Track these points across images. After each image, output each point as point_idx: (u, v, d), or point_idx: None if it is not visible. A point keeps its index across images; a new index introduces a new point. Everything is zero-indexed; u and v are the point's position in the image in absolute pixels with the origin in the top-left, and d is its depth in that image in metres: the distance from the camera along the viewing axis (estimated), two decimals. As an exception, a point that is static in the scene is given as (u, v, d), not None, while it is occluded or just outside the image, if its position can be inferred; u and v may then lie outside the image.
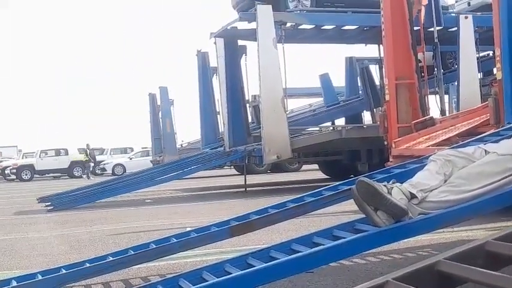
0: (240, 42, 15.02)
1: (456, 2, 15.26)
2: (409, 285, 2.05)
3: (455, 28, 13.17)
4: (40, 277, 4.19)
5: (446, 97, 15.02)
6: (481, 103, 9.74)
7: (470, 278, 2.10)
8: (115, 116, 79.27)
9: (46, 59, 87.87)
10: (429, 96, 10.67)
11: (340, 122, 18.37)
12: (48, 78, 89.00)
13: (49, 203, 12.76)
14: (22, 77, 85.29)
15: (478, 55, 13.38)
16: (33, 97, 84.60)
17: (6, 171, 34.14)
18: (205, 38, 15.32)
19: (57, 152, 34.21)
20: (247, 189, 14.22)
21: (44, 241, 7.60)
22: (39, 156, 33.74)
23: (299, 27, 13.90)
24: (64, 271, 4.27)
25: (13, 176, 33.17)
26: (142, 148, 34.81)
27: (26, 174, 32.95)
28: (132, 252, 4.45)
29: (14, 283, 4.10)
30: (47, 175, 34.21)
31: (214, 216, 7.29)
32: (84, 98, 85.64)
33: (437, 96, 12.40)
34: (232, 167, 22.24)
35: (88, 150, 30.97)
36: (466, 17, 13.11)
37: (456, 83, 13.95)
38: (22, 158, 35.69)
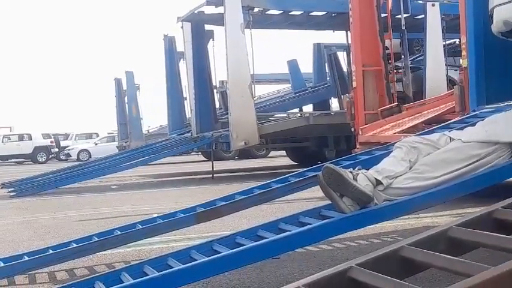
0: (208, 27, 14.90)
1: (423, -11, 15.35)
2: (372, 270, 2.06)
3: (423, 15, 13.27)
4: (2, 264, 4.12)
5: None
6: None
7: (432, 264, 2.12)
8: (80, 101, 78.13)
9: (5, 40, 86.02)
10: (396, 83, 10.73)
11: (308, 108, 18.43)
12: (9, 60, 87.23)
13: (12, 189, 12.56)
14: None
15: (444, 42, 13.50)
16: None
17: (-34, 157, 33.49)
18: (172, 22, 15.20)
19: (21, 137, 33.68)
20: (215, 175, 14.18)
21: (6, 227, 7.47)
22: (2, 141, 33.16)
23: (267, 13, 13.83)
24: (27, 258, 4.20)
25: (-26, 161, 32.60)
26: (108, 133, 34.46)
27: (-12, 160, 32.40)
28: (97, 239, 4.40)
29: (-25, 270, 4.02)
30: (9, 160, 33.64)
31: (181, 203, 7.25)
32: (48, 82, 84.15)
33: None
34: (199, 153, 22.16)
35: None
36: (433, 5, 13.19)
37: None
38: (-17, 143, 35.04)
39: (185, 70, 15.81)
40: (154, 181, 15.03)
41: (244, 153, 22.56)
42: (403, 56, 12.45)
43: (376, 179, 3.36)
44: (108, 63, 75.54)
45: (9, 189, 12.58)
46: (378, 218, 3.51)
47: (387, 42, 9.65)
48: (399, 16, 11.77)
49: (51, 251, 4.30)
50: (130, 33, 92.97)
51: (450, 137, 3.66)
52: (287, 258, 4.43)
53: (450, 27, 12.79)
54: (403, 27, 11.86)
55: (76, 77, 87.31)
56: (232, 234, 3.59)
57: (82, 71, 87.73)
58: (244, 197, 4.64)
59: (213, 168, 14.24)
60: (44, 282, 4.40)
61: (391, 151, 3.68)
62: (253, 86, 12.65)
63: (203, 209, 4.57)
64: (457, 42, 13.79)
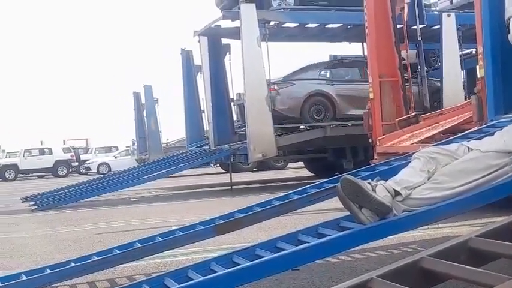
0: (224, 41, 15.02)
1: (439, 0, 15.35)
2: (392, 282, 2.07)
3: (438, 26, 13.25)
4: (24, 277, 4.16)
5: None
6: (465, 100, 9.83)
7: (452, 275, 2.12)
8: (99, 114, 78.75)
9: (26, 56, 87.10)
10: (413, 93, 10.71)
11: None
12: (28, 75, 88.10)
13: (33, 203, 12.67)
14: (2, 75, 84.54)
15: (461, 52, 13.48)
16: (11, 94, 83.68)
17: (-12, 171, 33.79)
18: (190, 36, 15.32)
19: (41, 151, 34.00)
20: (233, 187, 14.20)
21: (28, 241, 7.55)
22: (23, 156, 33.47)
23: (283, 26, 13.92)
24: (49, 271, 4.24)
25: (-4, 176, 32.85)
26: (127, 147, 34.67)
27: (10, 174, 32.62)
28: (117, 252, 4.44)
29: (-2, 284, 4.07)
30: (31, 174, 33.94)
31: (200, 215, 7.28)
32: (67, 96, 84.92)
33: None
34: (217, 165, 22.19)
35: None
36: (448, 15, 13.19)
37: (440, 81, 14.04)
38: (5, 158, 35.35)
39: (202, 83, 15.92)
40: (174, 193, 15.09)
41: (263, 165, 22.53)
42: (419, 67, 12.44)
43: (395, 190, 3.36)
44: (126, 77, 76.00)
45: (31, 203, 12.70)
46: (397, 229, 3.51)
47: (403, 53, 9.65)
48: (415, 27, 11.78)
49: (72, 264, 4.34)
50: (148, 47, 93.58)
51: (468, 147, 3.65)
52: (306, 269, 4.43)
53: (466, 37, 12.78)
54: (419, 38, 11.87)
55: (95, 91, 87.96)
56: (251, 246, 3.61)
57: (101, 84, 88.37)
58: (263, 208, 4.65)
59: (231, 180, 14.26)
60: (66, 295, 4.45)
61: (410, 162, 3.68)
62: (270, 98, 12.70)
63: (222, 221, 4.59)
64: (474, 52, 13.75)
